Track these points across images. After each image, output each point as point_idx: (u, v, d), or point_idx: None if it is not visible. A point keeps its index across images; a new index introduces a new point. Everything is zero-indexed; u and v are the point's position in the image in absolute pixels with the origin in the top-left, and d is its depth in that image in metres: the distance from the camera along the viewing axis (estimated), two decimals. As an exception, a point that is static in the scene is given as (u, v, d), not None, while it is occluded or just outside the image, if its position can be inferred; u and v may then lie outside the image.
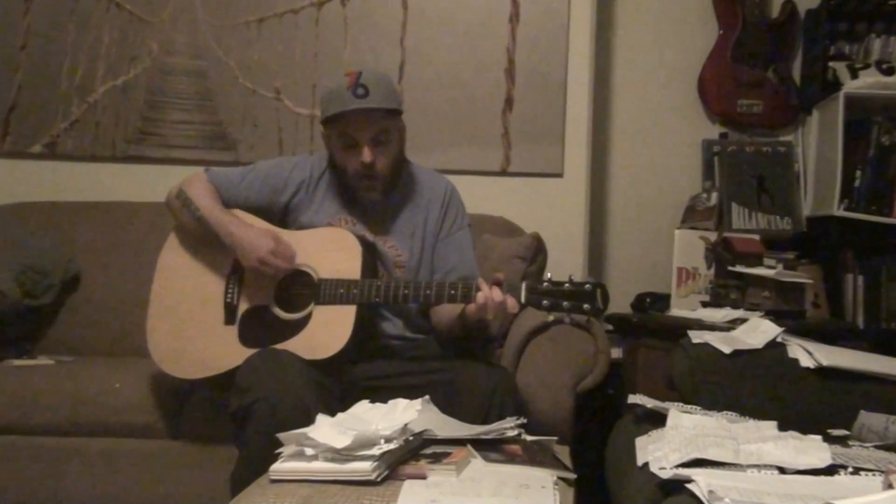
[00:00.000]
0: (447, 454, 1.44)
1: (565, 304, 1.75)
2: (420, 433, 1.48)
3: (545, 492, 1.30)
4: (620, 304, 2.85)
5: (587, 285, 1.75)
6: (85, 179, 2.92)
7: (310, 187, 2.10)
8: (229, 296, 1.99)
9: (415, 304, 2.01)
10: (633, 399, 1.69)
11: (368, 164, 1.97)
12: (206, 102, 2.94)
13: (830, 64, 2.98)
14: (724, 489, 1.12)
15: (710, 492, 1.11)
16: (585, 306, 1.75)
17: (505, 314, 1.81)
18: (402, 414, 1.50)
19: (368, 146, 1.96)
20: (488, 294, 1.76)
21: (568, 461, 1.55)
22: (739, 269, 2.54)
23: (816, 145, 3.07)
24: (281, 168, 2.12)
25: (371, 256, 1.99)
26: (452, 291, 1.83)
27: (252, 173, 2.11)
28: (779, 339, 1.80)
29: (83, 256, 2.67)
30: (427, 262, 2.09)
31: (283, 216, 2.09)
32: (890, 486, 1.11)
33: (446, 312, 2.00)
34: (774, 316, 2.21)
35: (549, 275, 1.79)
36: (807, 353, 1.71)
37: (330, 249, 1.97)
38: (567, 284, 1.76)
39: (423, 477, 1.34)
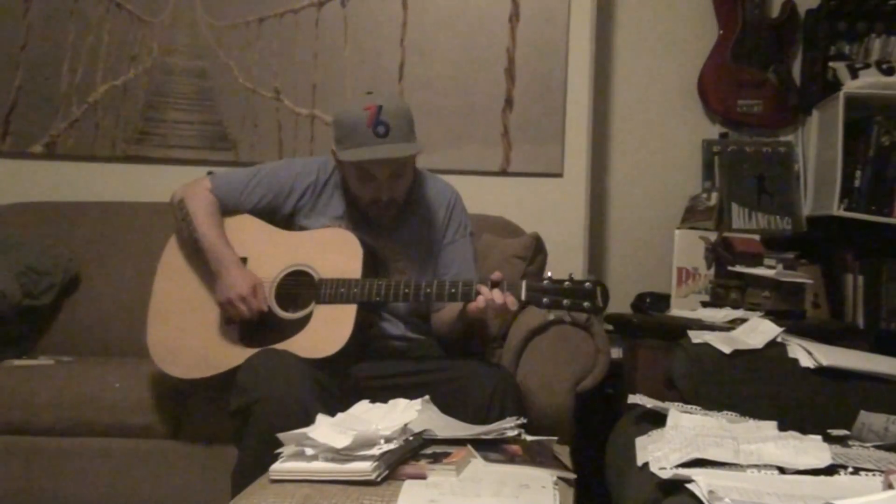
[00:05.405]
0: (447, 454, 1.44)
1: (565, 302, 1.74)
2: (420, 433, 1.49)
3: (545, 492, 1.30)
4: (620, 303, 2.84)
5: (587, 283, 1.75)
6: (85, 179, 2.92)
7: (315, 191, 2.09)
8: (230, 296, 1.99)
9: (415, 303, 2.01)
10: (633, 399, 1.69)
11: (386, 200, 1.97)
12: (206, 102, 2.93)
13: (830, 64, 2.97)
14: (724, 489, 1.12)
15: (710, 492, 1.11)
16: (586, 304, 1.74)
17: (506, 313, 1.80)
18: (402, 414, 1.50)
19: (387, 183, 1.96)
20: (488, 296, 1.76)
21: (568, 461, 1.55)
22: (739, 269, 2.54)
23: (816, 145, 3.06)
24: (286, 173, 2.10)
25: (371, 258, 1.99)
26: (452, 290, 1.83)
27: (256, 179, 2.09)
28: (779, 339, 1.80)
29: (83, 256, 2.66)
30: (429, 268, 2.09)
31: (287, 219, 2.09)
32: (890, 486, 1.11)
33: (447, 316, 2.00)
34: (774, 316, 2.21)
35: (549, 273, 1.79)
36: (807, 353, 1.72)
37: (331, 250, 1.97)
38: (567, 282, 1.76)
39: (423, 477, 1.34)
